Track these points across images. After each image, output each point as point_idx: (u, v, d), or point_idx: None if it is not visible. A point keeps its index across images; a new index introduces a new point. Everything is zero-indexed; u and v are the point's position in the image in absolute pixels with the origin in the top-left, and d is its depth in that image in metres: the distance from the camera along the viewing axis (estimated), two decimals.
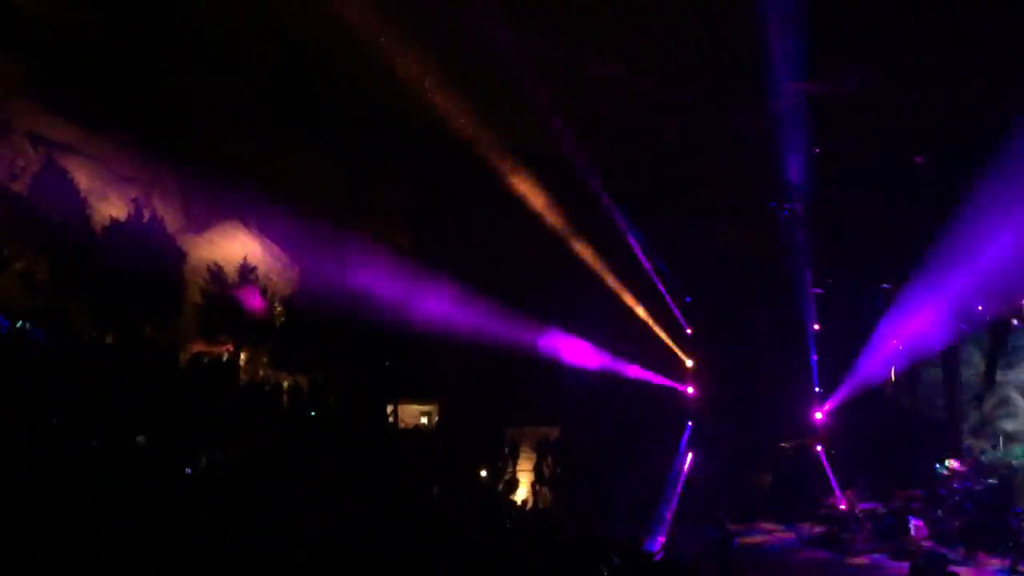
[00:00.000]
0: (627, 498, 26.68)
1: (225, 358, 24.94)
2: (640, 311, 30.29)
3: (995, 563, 20.84)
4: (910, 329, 26.67)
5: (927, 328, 26.16)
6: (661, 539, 23.90)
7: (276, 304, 26.85)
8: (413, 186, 30.51)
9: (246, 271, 25.87)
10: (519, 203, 28.15)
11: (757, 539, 25.87)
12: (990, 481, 23.49)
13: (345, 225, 26.30)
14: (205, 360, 23.76)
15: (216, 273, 25.38)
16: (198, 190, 25.52)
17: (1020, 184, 21.58)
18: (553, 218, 28.69)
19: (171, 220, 24.96)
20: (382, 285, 26.66)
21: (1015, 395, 26.30)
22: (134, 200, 23.54)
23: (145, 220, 23.13)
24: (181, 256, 24.23)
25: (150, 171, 25.28)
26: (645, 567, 16.14)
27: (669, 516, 26.42)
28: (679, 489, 27.91)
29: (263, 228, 27.93)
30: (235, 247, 27.33)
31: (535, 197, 28.26)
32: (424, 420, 29.83)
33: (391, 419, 28.31)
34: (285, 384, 25.92)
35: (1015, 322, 24.39)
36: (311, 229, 26.05)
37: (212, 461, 14.04)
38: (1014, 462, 24.58)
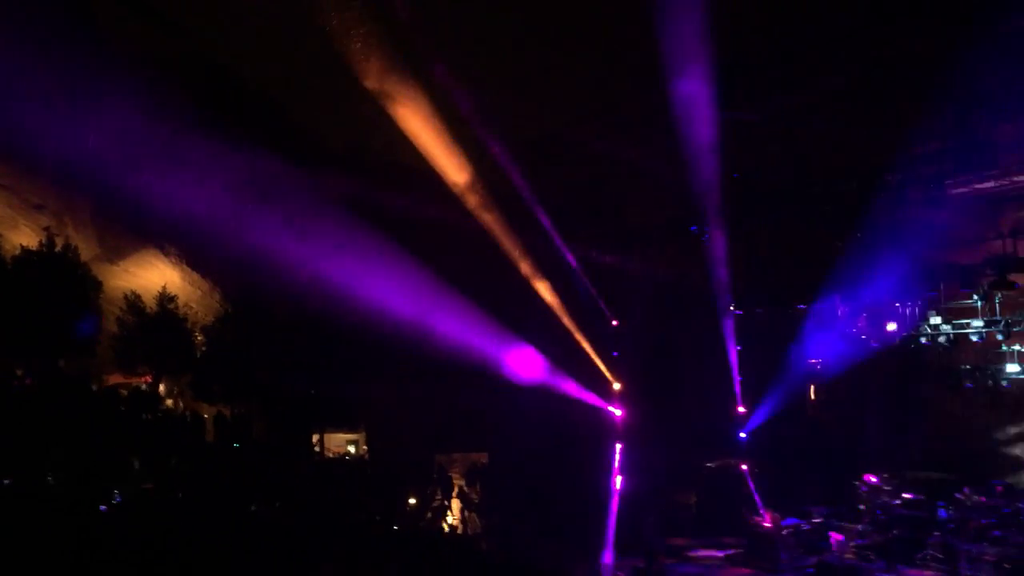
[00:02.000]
0: (558, 523, 26.61)
1: (143, 389, 24.33)
2: (571, 332, 30.37)
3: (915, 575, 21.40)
4: (825, 348, 27.36)
5: (840, 347, 26.83)
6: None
7: (197, 333, 26.22)
8: (341, 207, 30.12)
9: (165, 300, 25.23)
10: (448, 224, 27.97)
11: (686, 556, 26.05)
12: (909, 496, 24.06)
13: (268, 250, 25.78)
14: (123, 392, 23.20)
15: (134, 303, 24.72)
16: (113, 217, 24.85)
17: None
18: (488, 237, 28.54)
19: (85, 248, 24.24)
20: (307, 311, 26.21)
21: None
22: (46, 228, 22.86)
23: (58, 249, 22.42)
24: (97, 286, 23.48)
25: (63, 198, 24.55)
26: None
27: (601, 541, 26.40)
28: (611, 512, 27.92)
29: (183, 255, 27.32)
30: (153, 275, 26.66)
31: (466, 217, 28.10)
32: (351, 448, 29.44)
33: (317, 448, 27.87)
34: (207, 415, 25.38)
35: (923, 340, 25.11)
36: (233, 255, 25.47)
37: (128, 496, 13.65)
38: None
